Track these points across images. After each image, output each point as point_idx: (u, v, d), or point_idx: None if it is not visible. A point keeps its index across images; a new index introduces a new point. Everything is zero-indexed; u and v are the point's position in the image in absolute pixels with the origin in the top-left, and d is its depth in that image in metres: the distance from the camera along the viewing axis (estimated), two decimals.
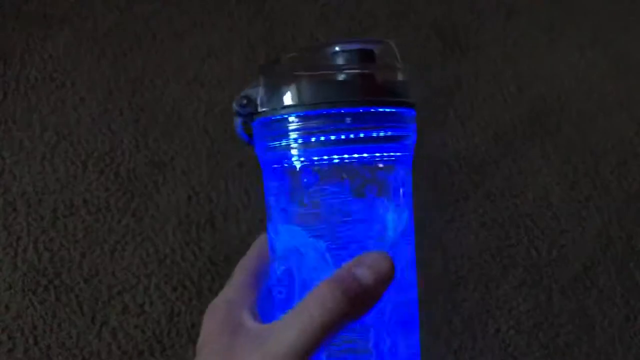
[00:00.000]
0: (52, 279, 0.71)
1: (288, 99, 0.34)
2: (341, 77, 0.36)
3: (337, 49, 0.36)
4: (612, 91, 0.80)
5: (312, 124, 0.34)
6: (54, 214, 0.77)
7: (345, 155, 0.34)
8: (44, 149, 0.84)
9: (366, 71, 0.36)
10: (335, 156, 0.34)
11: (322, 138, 0.34)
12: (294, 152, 0.35)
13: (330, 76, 0.35)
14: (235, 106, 0.36)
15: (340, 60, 0.36)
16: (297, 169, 0.35)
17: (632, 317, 0.67)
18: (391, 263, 0.32)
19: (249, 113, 0.37)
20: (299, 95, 0.34)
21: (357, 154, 0.34)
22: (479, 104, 0.80)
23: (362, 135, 0.34)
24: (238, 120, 0.37)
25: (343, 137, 0.34)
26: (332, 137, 0.34)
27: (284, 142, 0.35)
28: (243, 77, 0.91)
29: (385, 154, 0.35)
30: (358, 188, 0.35)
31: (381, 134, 0.35)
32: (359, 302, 0.31)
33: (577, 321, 0.67)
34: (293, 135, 0.34)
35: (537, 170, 0.75)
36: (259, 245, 0.38)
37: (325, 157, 0.35)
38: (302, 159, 0.35)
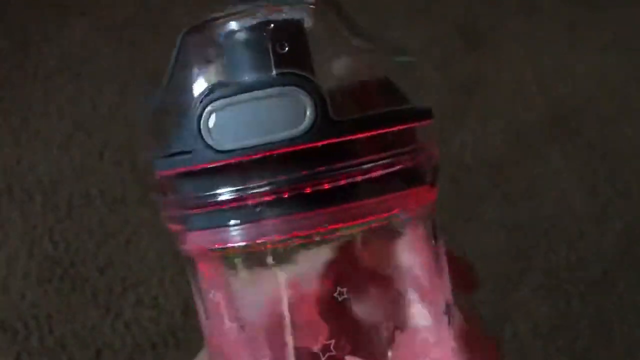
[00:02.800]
0: (68, 269, 0.71)
1: None
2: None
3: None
4: (634, 93, 0.79)
5: None
6: (69, 204, 0.77)
7: None
8: (61, 139, 0.84)
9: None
10: None
11: None
12: None
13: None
14: None
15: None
16: None
17: None
18: None
19: None
20: None
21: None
22: (499, 104, 0.79)
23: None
24: None
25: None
26: None
27: None
28: None
29: None
30: None
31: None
32: None
33: (596, 326, 0.66)
34: None
35: (557, 173, 0.74)
36: None
37: None
38: None
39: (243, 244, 0.23)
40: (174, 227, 0.25)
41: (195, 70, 0.24)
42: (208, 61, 0.24)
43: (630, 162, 0.74)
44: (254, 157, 0.21)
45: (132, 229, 0.75)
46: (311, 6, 0.24)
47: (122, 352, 0.66)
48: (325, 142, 0.21)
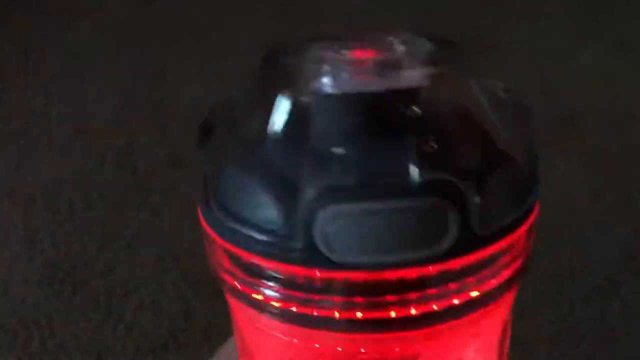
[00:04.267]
0: (68, 272, 0.71)
1: None
2: None
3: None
4: (639, 97, 0.79)
5: None
6: (70, 207, 0.77)
7: None
8: (62, 142, 0.84)
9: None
10: None
11: None
12: None
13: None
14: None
15: None
16: None
17: None
18: None
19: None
20: None
21: None
22: None
23: None
24: None
25: None
26: None
27: None
28: None
29: None
30: None
31: None
32: None
33: (599, 331, 0.66)
34: None
35: (560, 177, 0.74)
36: None
37: None
38: None
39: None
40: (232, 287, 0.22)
41: (299, 148, 0.19)
42: (319, 137, 0.18)
43: (635, 167, 0.74)
44: (383, 275, 0.18)
45: (133, 232, 0.75)
46: (430, 54, 0.19)
47: (123, 356, 0.65)
48: (469, 262, 0.18)
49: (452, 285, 0.18)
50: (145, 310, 0.68)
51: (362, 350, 0.20)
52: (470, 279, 0.19)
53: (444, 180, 0.17)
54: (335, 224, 0.17)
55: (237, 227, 0.20)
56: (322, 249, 0.18)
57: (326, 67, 0.19)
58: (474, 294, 0.19)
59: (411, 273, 0.18)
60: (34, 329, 0.66)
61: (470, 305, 0.19)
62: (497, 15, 0.88)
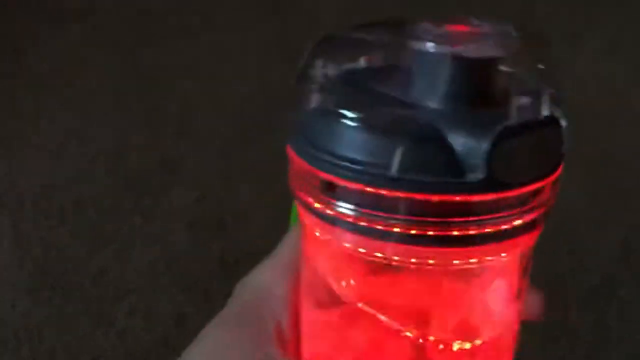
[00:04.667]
0: (59, 278, 0.70)
1: None
2: None
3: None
4: (635, 98, 0.79)
5: None
6: (61, 212, 0.76)
7: None
8: (52, 146, 0.83)
9: None
10: None
11: None
12: None
13: None
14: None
15: None
16: None
17: None
18: None
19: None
20: None
21: None
22: None
23: None
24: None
25: None
26: None
27: None
28: (256, 76, 0.90)
29: None
30: None
31: None
32: None
33: (596, 332, 0.66)
34: None
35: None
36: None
37: None
38: None
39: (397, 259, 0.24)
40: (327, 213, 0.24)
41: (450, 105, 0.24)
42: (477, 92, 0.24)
43: (631, 168, 0.74)
44: (538, 184, 0.23)
45: (124, 237, 0.74)
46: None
47: None
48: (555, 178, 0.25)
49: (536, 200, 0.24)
50: (136, 316, 0.68)
51: (430, 262, 0.24)
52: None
53: (557, 115, 0.23)
54: (508, 155, 0.22)
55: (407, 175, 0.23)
56: (502, 177, 0.22)
57: (438, 37, 0.24)
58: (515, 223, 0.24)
59: (551, 178, 0.24)
60: (23, 336, 0.66)
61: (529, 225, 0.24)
62: (493, 17, 0.87)
